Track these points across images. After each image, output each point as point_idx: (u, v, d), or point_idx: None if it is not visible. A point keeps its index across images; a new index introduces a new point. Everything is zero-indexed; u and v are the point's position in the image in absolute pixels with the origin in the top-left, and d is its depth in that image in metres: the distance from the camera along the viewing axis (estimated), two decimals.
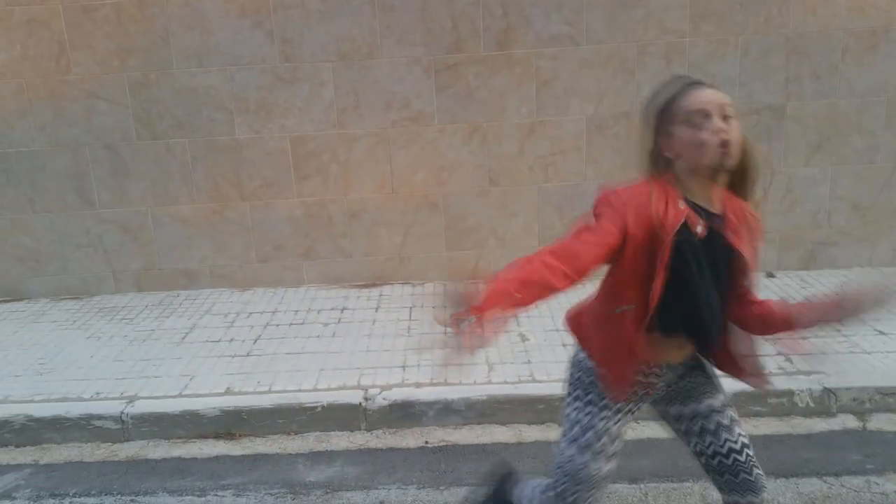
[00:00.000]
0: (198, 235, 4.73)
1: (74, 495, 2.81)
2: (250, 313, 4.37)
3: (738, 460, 1.81)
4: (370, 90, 4.48)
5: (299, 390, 3.35)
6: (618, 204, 1.62)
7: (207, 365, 3.68)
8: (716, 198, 1.71)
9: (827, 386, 3.23)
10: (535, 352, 3.64)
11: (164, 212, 4.69)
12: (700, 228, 1.66)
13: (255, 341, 3.95)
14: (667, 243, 1.61)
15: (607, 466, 1.76)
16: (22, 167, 4.61)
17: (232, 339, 4.00)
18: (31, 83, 4.48)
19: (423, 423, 3.24)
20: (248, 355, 3.78)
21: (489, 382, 3.34)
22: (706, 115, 1.64)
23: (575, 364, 1.86)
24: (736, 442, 1.82)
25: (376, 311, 4.33)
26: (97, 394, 3.42)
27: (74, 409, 3.28)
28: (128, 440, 3.24)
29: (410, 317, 4.20)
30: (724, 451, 1.82)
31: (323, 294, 4.63)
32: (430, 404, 3.24)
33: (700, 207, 1.69)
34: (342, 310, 4.35)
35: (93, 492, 2.82)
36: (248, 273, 4.80)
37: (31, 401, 3.37)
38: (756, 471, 1.82)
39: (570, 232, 1.59)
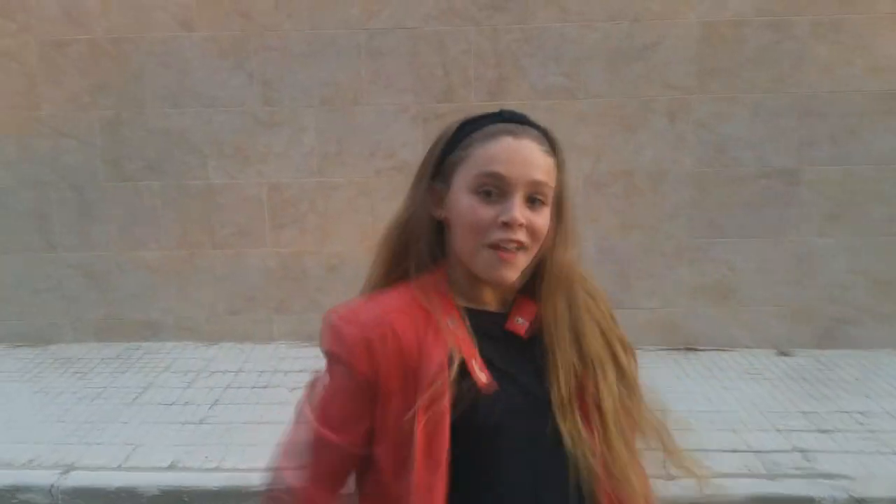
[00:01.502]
0: (164, 284, 4.53)
1: None
2: (212, 372, 4.13)
3: None
4: (353, 137, 4.31)
5: (251, 469, 3.09)
6: (358, 367, 1.05)
7: (156, 431, 3.43)
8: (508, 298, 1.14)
9: (854, 495, 2.93)
10: None
11: (129, 258, 4.49)
12: (482, 375, 1.04)
13: (212, 406, 3.71)
14: (438, 404, 1.01)
15: None
16: None
17: (187, 403, 3.75)
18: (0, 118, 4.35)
19: None
20: (201, 423, 3.53)
21: None
22: (505, 185, 1.06)
23: None
24: None
25: None
26: (30, 461, 3.17)
27: (3, 479, 3.04)
28: None
29: None
30: None
31: (293, 353, 4.39)
32: None
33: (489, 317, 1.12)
34: (312, 372, 4.10)
35: None
36: (215, 326, 4.57)
37: None
38: None
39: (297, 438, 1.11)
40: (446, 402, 1.01)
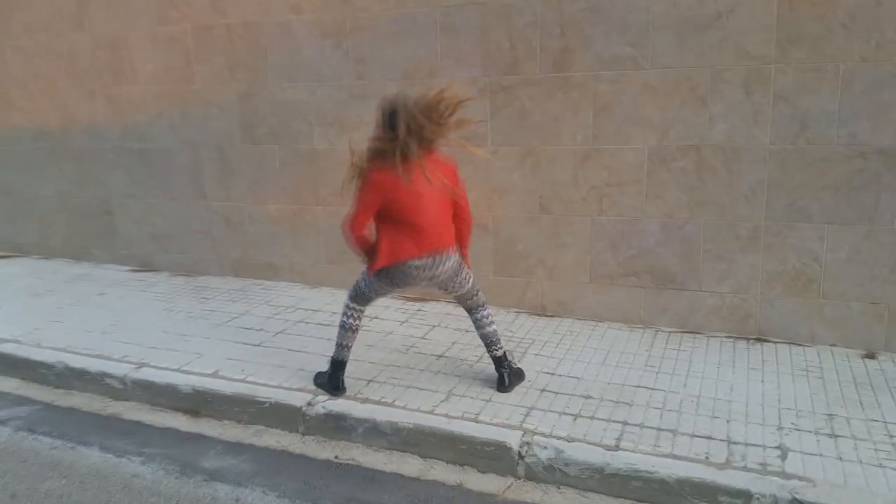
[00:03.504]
0: (281, 233, 5.19)
1: (41, 433, 3.34)
2: (296, 309, 4.70)
3: None
4: None
5: (266, 384, 3.55)
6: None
7: (222, 348, 4.05)
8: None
9: (799, 497, 2.57)
10: (504, 395, 3.42)
11: (258, 209, 5.22)
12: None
13: (276, 334, 4.25)
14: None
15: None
16: (156, 161, 5.47)
17: (260, 329, 4.34)
18: (165, 91, 5.29)
19: (353, 439, 3.25)
20: (259, 345, 4.08)
21: (431, 412, 3.23)
22: None
23: None
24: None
25: (401, 324, 4.37)
26: (123, 356, 3.97)
27: (96, 366, 3.85)
28: (124, 400, 3.72)
29: (426, 336, 4.18)
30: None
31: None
32: (360, 421, 3.23)
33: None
34: (372, 318, 4.47)
35: (55, 433, 3.33)
36: (318, 272, 5.13)
37: (77, 353, 4.03)
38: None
39: None
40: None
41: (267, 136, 5.07)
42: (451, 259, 3.25)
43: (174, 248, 5.62)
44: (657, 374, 3.60)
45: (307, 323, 4.44)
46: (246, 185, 5.22)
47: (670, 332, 4.18)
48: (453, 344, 4.04)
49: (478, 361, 3.76)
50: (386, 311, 4.64)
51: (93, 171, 5.79)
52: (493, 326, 3.45)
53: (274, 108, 4.99)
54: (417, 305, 4.75)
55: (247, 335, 4.25)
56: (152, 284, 5.38)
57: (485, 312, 3.45)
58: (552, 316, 4.48)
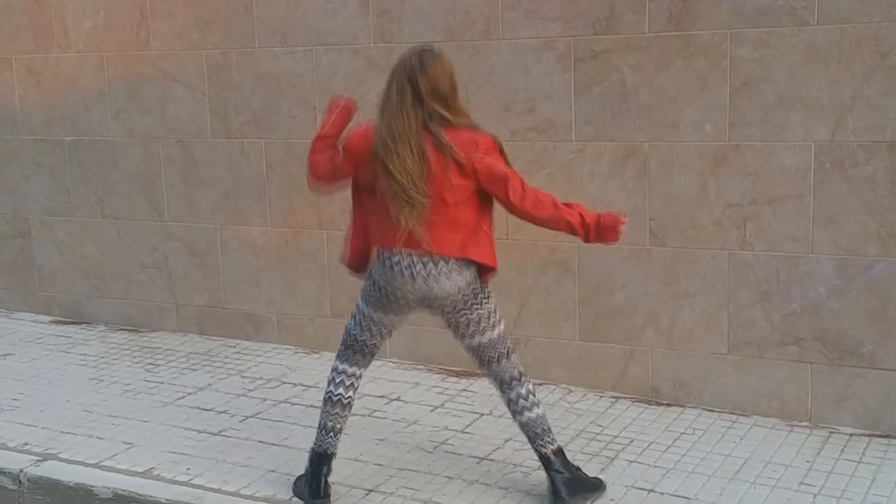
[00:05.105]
0: (268, 270, 5.57)
1: None
2: (282, 382, 5.06)
3: None
4: (484, 84, 4.82)
5: (213, 489, 3.88)
6: None
7: (164, 436, 4.44)
8: None
9: None
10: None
11: (234, 234, 5.63)
12: None
13: (246, 419, 4.60)
14: None
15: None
16: (96, 160, 5.98)
17: (225, 411, 4.70)
18: (108, 60, 5.81)
19: None
20: (218, 434, 4.43)
21: None
22: None
23: None
24: None
25: (433, 410, 4.63)
26: (23, 444, 4.38)
27: None
28: None
29: (467, 428, 4.41)
30: None
31: (391, 374, 5.07)
32: None
33: None
34: (391, 400, 4.74)
35: None
36: (320, 330, 5.46)
37: None
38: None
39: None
40: None
41: (249, 126, 5.48)
42: (454, 270, 3.47)
43: (114, 291, 6.10)
44: (815, 496, 3.69)
45: (294, 404, 4.76)
46: (218, 196, 5.65)
47: (851, 434, 4.25)
48: (505, 442, 4.25)
49: (538, 469, 3.94)
50: (414, 391, 4.90)
51: (1, 173, 6.38)
52: (538, 410, 3.62)
53: (260, 84, 5.41)
54: (463, 384, 4.99)
55: (203, 419, 4.61)
56: (80, 343, 5.86)
57: (522, 390, 3.62)
58: (668, 404, 4.62)
